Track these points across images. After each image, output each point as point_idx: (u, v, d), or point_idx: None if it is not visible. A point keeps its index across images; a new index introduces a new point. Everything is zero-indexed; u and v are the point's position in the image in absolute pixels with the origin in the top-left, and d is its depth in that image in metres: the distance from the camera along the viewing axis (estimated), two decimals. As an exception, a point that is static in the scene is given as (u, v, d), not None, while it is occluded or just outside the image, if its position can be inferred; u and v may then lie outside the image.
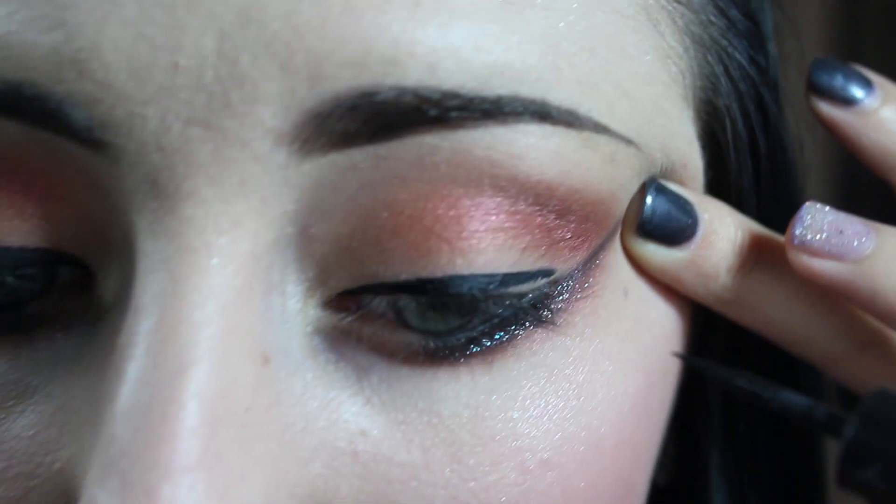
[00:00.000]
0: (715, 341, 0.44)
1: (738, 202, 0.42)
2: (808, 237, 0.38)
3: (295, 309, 0.34)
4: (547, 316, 0.35)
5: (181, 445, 0.30)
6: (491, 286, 0.34)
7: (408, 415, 0.34)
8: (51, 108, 0.31)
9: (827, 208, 0.39)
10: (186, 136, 0.31)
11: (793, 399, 0.32)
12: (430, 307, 0.34)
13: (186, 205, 0.32)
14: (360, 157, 0.32)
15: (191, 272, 0.31)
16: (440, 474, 0.34)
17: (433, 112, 0.32)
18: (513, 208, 0.33)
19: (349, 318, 0.34)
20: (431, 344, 0.34)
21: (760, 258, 0.39)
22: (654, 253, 0.39)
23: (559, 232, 0.35)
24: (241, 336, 0.32)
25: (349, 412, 0.34)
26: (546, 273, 0.35)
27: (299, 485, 0.33)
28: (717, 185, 0.42)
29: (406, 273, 0.33)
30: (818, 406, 0.31)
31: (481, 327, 0.35)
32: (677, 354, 0.39)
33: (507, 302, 0.35)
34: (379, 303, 0.34)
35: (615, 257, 0.38)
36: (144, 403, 0.30)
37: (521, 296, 0.35)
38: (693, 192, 0.40)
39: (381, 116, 0.31)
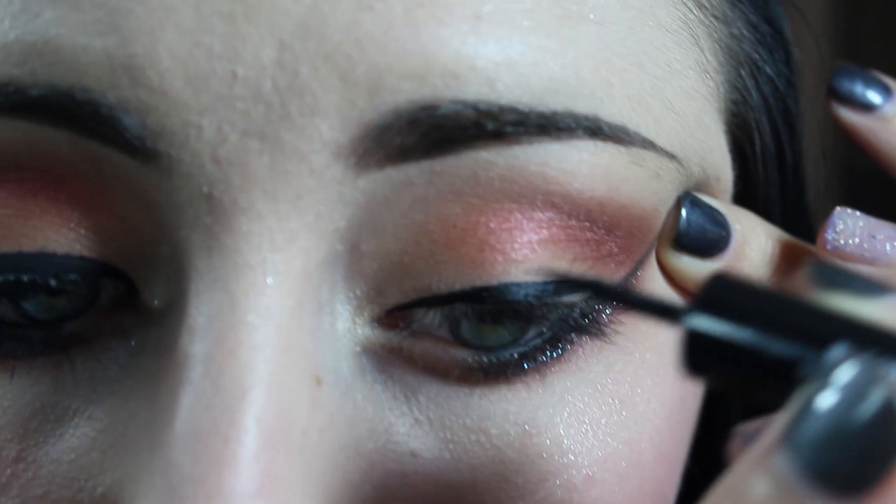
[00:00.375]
0: None
1: (764, 212, 0.42)
2: (841, 242, 0.38)
3: (344, 328, 0.33)
4: (596, 328, 0.36)
5: (243, 472, 0.30)
6: (545, 294, 0.34)
7: (455, 433, 0.34)
8: (102, 115, 0.31)
9: (858, 213, 0.39)
10: (243, 148, 0.31)
11: (639, 297, 0.32)
12: (483, 320, 0.34)
13: (242, 220, 0.31)
14: (416, 172, 0.32)
15: (248, 291, 0.31)
16: (488, 494, 0.34)
17: (491, 126, 0.31)
18: (564, 223, 0.34)
19: (399, 336, 0.34)
20: (485, 360, 0.34)
21: (791, 266, 0.40)
22: (689, 265, 0.39)
23: (607, 246, 0.35)
24: (296, 357, 0.31)
25: (398, 433, 0.34)
26: (567, 279, 0.35)
27: None
28: (745, 196, 0.43)
29: (461, 283, 0.33)
30: (657, 299, 0.30)
31: (535, 341, 0.35)
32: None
33: (560, 312, 0.35)
34: (432, 318, 0.34)
35: (652, 270, 0.38)
36: (205, 429, 0.30)
37: (572, 306, 0.35)
38: (724, 203, 0.40)
39: (439, 130, 0.31)
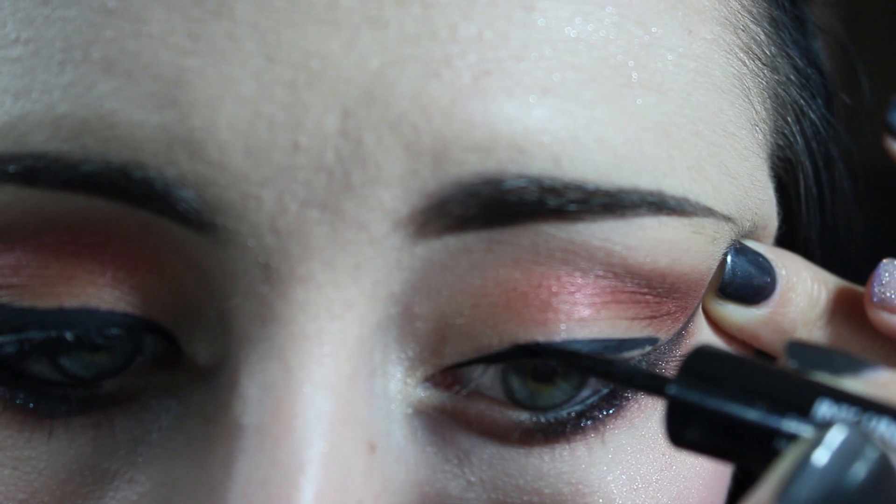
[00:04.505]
0: None
1: (805, 253, 0.42)
2: (888, 294, 0.38)
3: (396, 389, 0.33)
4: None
5: None
6: (607, 350, 0.33)
7: (508, 494, 0.34)
8: (157, 191, 0.30)
9: None
10: (303, 218, 0.30)
11: (622, 367, 0.33)
12: (537, 379, 0.34)
13: (299, 289, 0.30)
14: (474, 240, 0.31)
15: (304, 361, 0.30)
16: None
17: (553, 203, 0.31)
18: (625, 288, 0.33)
19: (453, 398, 0.33)
20: (543, 420, 0.34)
21: (836, 310, 0.39)
22: (734, 313, 0.38)
23: (664, 307, 0.35)
24: (352, 426, 0.31)
25: (451, 496, 0.33)
26: (652, 341, 0.35)
27: None
28: (787, 238, 0.42)
29: (523, 339, 0.33)
30: (642, 370, 0.33)
31: (592, 399, 0.34)
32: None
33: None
34: (486, 377, 0.34)
35: (700, 322, 0.38)
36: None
37: (629, 361, 0.35)
38: (769, 247, 0.40)
39: (502, 204, 0.31)
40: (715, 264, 0.36)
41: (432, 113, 0.30)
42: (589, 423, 0.34)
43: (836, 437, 0.27)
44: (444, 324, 0.33)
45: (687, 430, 0.29)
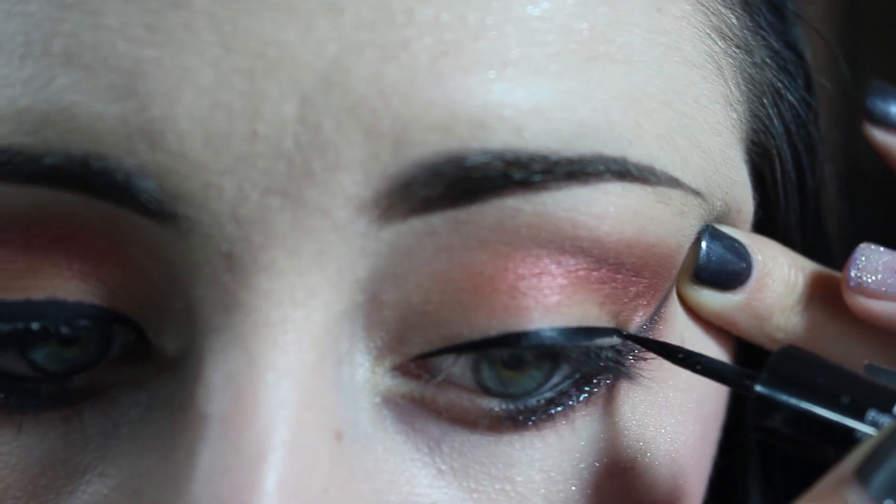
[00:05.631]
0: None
1: (784, 239, 0.42)
2: (864, 278, 0.38)
3: (363, 378, 0.33)
4: (622, 368, 0.35)
5: None
6: (576, 338, 0.33)
7: (480, 482, 0.34)
8: (118, 181, 0.30)
9: (882, 249, 0.38)
10: (264, 206, 0.30)
11: (716, 364, 0.36)
12: (507, 366, 0.34)
13: (262, 277, 0.30)
14: (440, 221, 0.31)
15: (267, 349, 0.30)
16: None
17: (518, 176, 0.31)
18: (593, 266, 0.33)
19: (422, 387, 0.33)
20: (513, 407, 0.34)
21: (814, 296, 0.39)
22: (710, 299, 0.38)
23: (634, 287, 0.34)
24: (317, 414, 0.31)
25: (421, 485, 0.33)
26: (621, 327, 0.35)
27: None
28: (765, 223, 0.42)
29: (494, 329, 0.33)
30: (730, 367, 0.36)
31: (562, 385, 0.34)
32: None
33: (589, 354, 0.34)
34: (457, 367, 0.33)
35: (674, 307, 0.38)
36: (225, 493, 0.29)
37: (600, 349, 0.34)
38: (745, 233, 0.40)
39: (466, 181, 0.31)
40: (686, 242, 0.36)
41: (390, 96, 0.30)
42: (559, 409, 0.34)
43: None
44: (412, 312, 0.33)
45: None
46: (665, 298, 0.37)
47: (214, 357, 0.31)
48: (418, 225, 0.31)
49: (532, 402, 0.34)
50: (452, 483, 0.33)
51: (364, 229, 0.31)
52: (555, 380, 0.34)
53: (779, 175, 0.41)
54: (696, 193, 0.35)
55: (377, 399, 0.33)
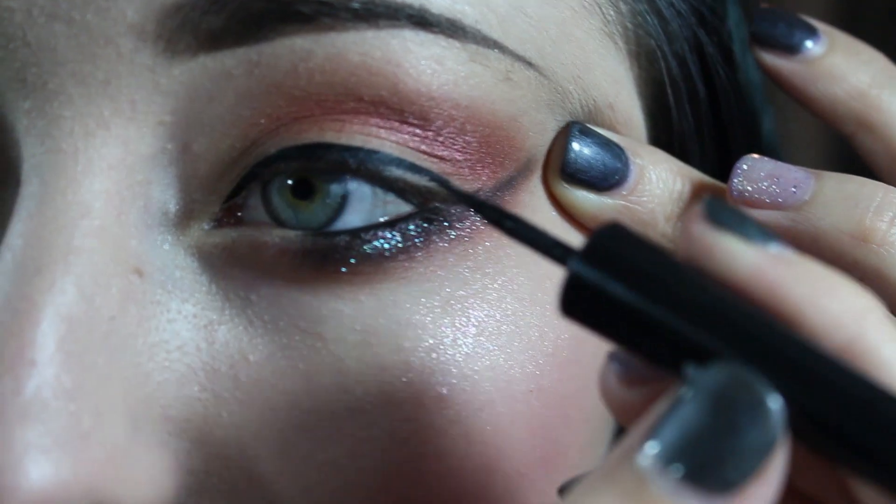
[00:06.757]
0: None
1: (681, 152, 0.40)
2: (745, 187, 0.36)
3: (177, 229, 0.33)
4: (438, 223, 0.33)
5: (48, 370, 0.29)
6: (380, 163, 0.32)
7: (291, 337, 0.32)
8: None
9: (765, 159, 0.37)
10: (51, 32, 0.31)
11: (533, 229, 0.29)
12: (299, 195, 0.33)
13: (55, 104, 0.31)
14: (232, 62, 0.31)
15: (58, 177, 0.31)
16: (325, 404, 0.32)
17: (304, 9, 0.30)
18: (397, 118, 0.32)
19: (230, 234, 0.33)
20: (310, 241, 0.32)
21: None
22: (584, 200, 0.36)
23: (452, 150, 0.33)
24: (110, 245, 0.31)
25: (230, 334, 0.32)
26: (438, 179, 0.33)
27: (174, 406, 0.31)
28: (663, 136, 0.40)
29: (287, 142, 0.32)
30: (552, 237, 0.28)
31: (374, 232, 0.32)
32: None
33: (389, 195, 0.33)
34: (254, 204, 0.33)
35: (533, 198, 0.36)
36: (7, 320, 0.30)
37: (408, 190, 0.33)
38: (626, 137, 0.37)
39: (245, 11, 0.30)
40: (524, 117, 0.34)
41: None
42: (356, 261, 0.32)
43: (711, 380, 0.25)
44: (221, 162, 0.32)
45: (580, 305, 0.27)
46: (515, 184, 0.35)
47: (23, 189, 0.31)
48: (210, 64, 0.31)
49: (335, 240, 0.32)
50: (264, 336, 0.32)
51: (151, 62, 0.31)
52: (351, 218, 0.32)
53: (665, 77, 0.39)
54: (527, 63, 0.34)
55: (192, 250, 0.33)
